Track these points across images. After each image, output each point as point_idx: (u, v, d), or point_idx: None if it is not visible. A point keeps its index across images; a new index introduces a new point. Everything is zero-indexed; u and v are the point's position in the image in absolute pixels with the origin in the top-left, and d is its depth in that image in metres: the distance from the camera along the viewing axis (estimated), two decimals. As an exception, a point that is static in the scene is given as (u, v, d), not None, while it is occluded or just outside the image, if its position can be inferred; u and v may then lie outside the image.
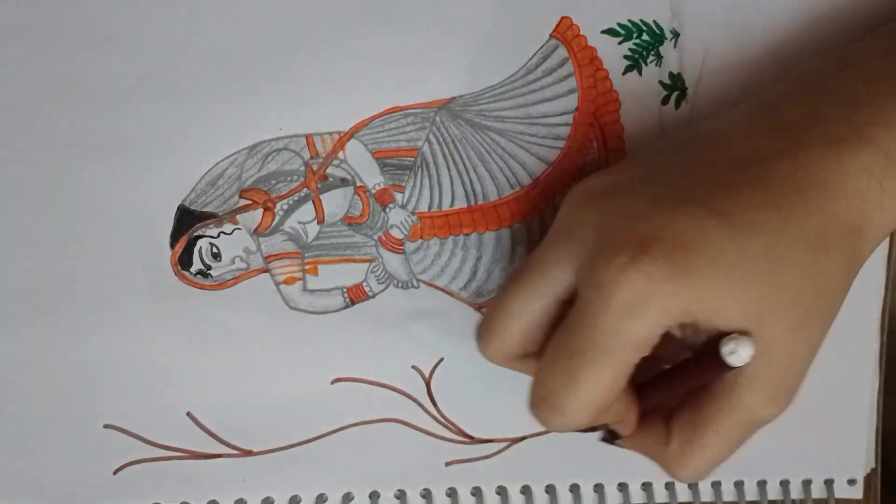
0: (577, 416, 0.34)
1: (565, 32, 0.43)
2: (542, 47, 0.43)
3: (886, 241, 0.46)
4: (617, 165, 0.40)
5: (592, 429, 0.39)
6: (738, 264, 0.33)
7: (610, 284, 0.33)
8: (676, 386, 0.37)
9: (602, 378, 0.34)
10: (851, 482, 0.47)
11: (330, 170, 0.42)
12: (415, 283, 0.43)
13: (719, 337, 0.34)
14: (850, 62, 0.39)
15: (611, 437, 0.38)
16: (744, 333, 0.33)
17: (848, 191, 0.35)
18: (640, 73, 0.44)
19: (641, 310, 0.33)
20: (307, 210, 0.42)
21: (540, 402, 0.35)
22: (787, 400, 0.35)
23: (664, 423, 0.37)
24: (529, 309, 0.36)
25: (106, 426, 0.42)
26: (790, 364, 0.35)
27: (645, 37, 0.43)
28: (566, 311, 0.36)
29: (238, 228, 0.42)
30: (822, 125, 0.36)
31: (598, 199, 0.36)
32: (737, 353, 0.33)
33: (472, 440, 0.45)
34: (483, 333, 0.38)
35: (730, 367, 0.34)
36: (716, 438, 0.36)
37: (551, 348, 0.35)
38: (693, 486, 0.46)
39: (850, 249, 0.35)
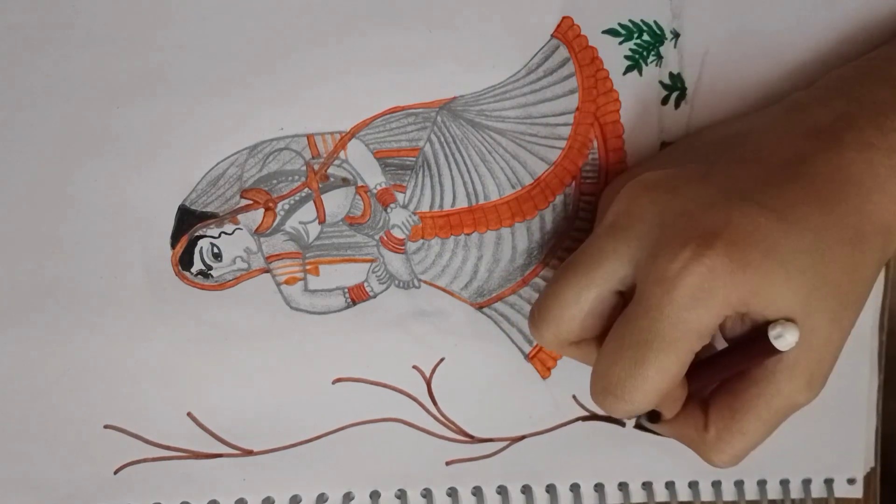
0: (642, 403, 0.36)
1: (566, 32, 0.43)
2: (543, 47, 0.43)
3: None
4: (662, 159, 0.42)
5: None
6: (789, 258, 0.35)
7: (675, 279, 0.35)
8: (720, 371, 0.38)
9: (667, 366, 0.35)
10: (851, 481, 0.47)
11: (331, 170, 0.42)
12: (416, 283, 0.43)
13: (763, 325, 0.36)
14: (874, 70, 0.41)
15: (650, 420, 0.39)
16: (789, 320, 0.35)
17: (880, 191, 0.37)
18: (640, 73, 0.44)
19: (705, 301, 0.35)
20: (308, 210, 0.42)
21: (605, 392, 0.37)
22: (821, 385, 0.38)
23: (701, 410, 0.39)
24: (584, 298, 0.37)
25: (106, 426, 0.42)
26: (826, 352, 0.37)
27: (645, 37, 0.43)
28: (619, 300, 0.37)
29: (239, 228, 0.42)
30: (853, 130, 0.38)
31: (657, 195, 0.37)
32: (784, 339, 0.35)
33: (473, 439, 0.45)
34: (537, 321, 0.39)
35: (776, 352, 0.36)
36: (755, 423, 0.38)
37: (613, 339, 0.36)
38: (693, 486, 0.46)
39: (881, 246, 0.38)
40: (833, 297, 0.36)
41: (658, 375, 0.35)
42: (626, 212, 0.37)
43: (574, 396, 0.45)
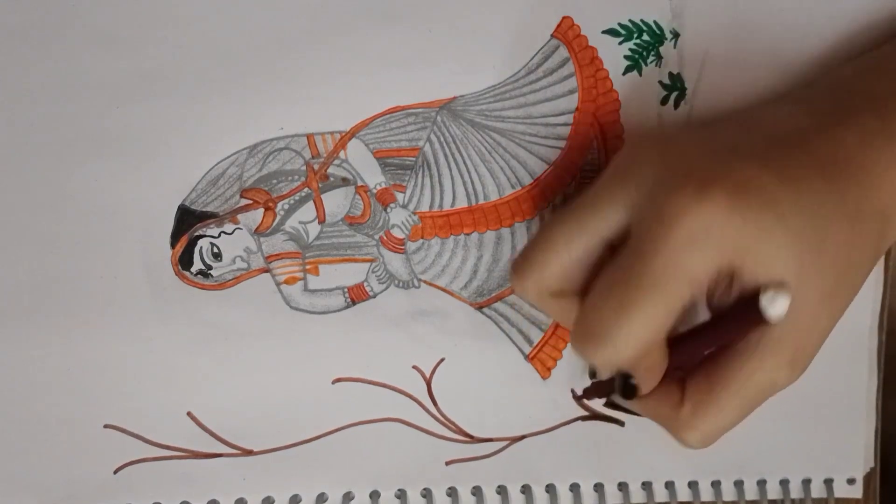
0: (624, 349, 0.34)
1: (566, 32, 0.43)
2: (543, 47, 0.43)
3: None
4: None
5: (609, 388, 0.39)
6: (789, 215, 0.34)
7: (674, 216, 0.34)
8: (704, 342, 0.37)
9: (655, 312, 0.34)
10: (851, 481, 0.47)
11: (331, 169, 0.42)
12: (416, 282, 0.43)
13: (754, 292, 0.34)
14: (873, 66, 0.41)
15: (626, 395, 0.38)
16: (780, 288, 0.34)
17: (880, 177, 0.37)
18: (640, 73, 0.44)
19: (701, 243, 0.34)
20: (308, 210, 0.42)
21: (586, 335, 0.35)
22: (802, 367, 0.36)
23: (678, 388, 0.38)
24: (574, 245, 0.37)
25: (106, 426, 0.42)
26: (813, 331, 0.36)
27: (645, 37, 0.43)
28: (608, 256, 0.36)
29: (239, 228, 0.42)
30: (853, 117, 0.38)
31: (660, 145, 0.37)
32: (775, 305, 0.34)
33: (473, 439, 0.45)
34: (520, 265, 0.38)
35: (763, 322, 0.34)
36: (732, 399, 0.36)
37: (602, 281, 0.35)
38: (693, 486, 0.46)
39: (879, 231, 0.37)
40: (828, 272, 0.35)
41: (644, 320, 0.34)
42: (627, 159, 0.37)
43: (573, 391, 0.45)
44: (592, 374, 0.42)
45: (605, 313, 0.35)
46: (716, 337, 0.37)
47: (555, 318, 0.39)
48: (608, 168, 0.38)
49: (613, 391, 0.39)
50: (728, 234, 0.34)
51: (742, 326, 0.36)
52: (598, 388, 0.42)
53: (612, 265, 0.35)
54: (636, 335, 0.34)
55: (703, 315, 0.38)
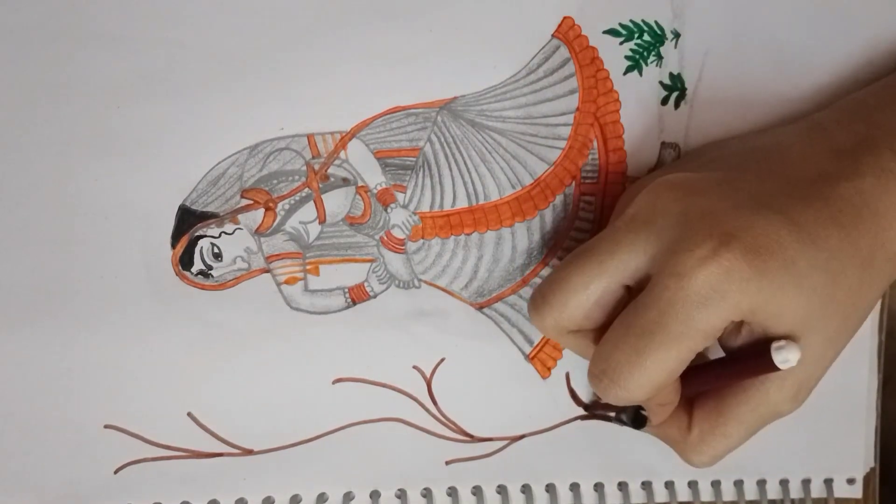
0: (636, 392, 0.36)
1: (567, 33, 0.43)
2: (543, 47, 0.43)
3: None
4: (686, 165, 0.42)
5: (615, 408, 0.42)
6: (804, 273, 0.35)
7: (690, 274, 0.35)
8: (716, 380, 0.39)
9: (667, 360, 0.35)
10: (850, 481, 0.48)
11: (331, 169, 0.42)
12: (416, 283, 0.43)
13: (764, 340, 0.36)
14: (893, 96, 0.42)
15: (635, 425, 0.40)
16: (790, 338, 0.36)
17: (894, 220, 0.38)
18: (640, 73, 0.44)
19: (716, 302, 0.35)
20: (309, 210, 0.42)
21: (602, 375, 0.37)
22: (805, 398, 0.38)
23: (685, 411, 0.40)
24: (593, 286, 0.37)
25: (107, 426, 0.42)
26: (818, 368, 0.38)
27: (646, 37, 0.43)
28: (626, 296, 0.37)
29: (239, 228, 0.42)
30: (873, 154, 0.38)
31: (681, 192, 0.37)
32: (787, 360, 0.35)
33: (473, 439, 0.45)
34: (539, 304, 0.39)
35: (775, 369, 0.36)
36: (738, 427, 0.38)
37: (619, 325, 0.36)
38: (693, 486, 0.47)
39: (888, 274, 0.38)
40: (835, 317, 0.37)
41: (656, 368, 0.35)
42: (649, 206, 0.37)
43: (573, 391, 0.45)
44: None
45: (620, 358, 0.36)
46: (727, 376, 0.38)
47: (572, 350, 0.40)
48: (630, 209, 0.38)
49: (620, 410, 0.42)
50: (744, 294, 0.35)
51: (752, 370, 0.37)
52: (604, 406, 0.43)
53: (632, 307, 0.36)
54: (648, 380, 0.36)
55: (714, 352, 0.39)
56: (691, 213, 0.36)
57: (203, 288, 0.42)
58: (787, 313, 0.35)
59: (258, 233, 0.42)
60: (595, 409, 0.44)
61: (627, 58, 0.43)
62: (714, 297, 0.35)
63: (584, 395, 0.45)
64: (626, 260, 0.37)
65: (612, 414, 0.44)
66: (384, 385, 0.44)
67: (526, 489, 0.45)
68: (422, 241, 0.43)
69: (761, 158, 0.40)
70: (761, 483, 0.47)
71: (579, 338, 0.39)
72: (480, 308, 0.44)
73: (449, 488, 0.45)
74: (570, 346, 0.40)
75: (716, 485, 0.47)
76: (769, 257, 0.35)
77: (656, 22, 0.43)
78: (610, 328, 0.37)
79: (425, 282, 0.44)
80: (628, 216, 0.38)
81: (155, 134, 0.41)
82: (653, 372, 0.35)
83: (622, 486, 0.46)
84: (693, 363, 0.37)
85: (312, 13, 0.41)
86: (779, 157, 0.40)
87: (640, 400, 0.37)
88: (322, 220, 0.43)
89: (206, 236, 0.42)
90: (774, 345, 0.35)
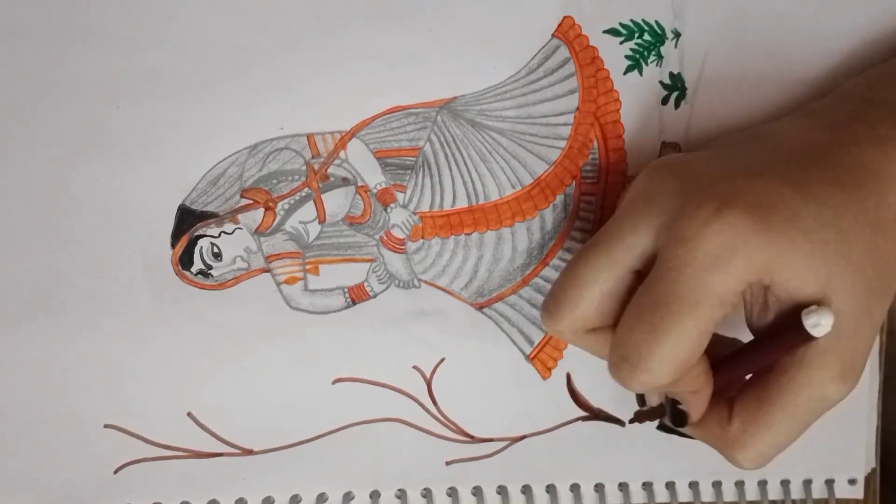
0: (660, 372, 0.34)
1: (567, 32, 0.43)
2: (543, 47, 0.43)
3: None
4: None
5: (660, 413, 0.39)
6: (812, 228, 0.34)
7: (696, 237, 0.34)
8: (749, 363, 0.37)
9: (686, 332, 0.34)
10: (852, 482, 0.47)
11: (331, 169, 0.42)
12: (416, 282, 0.43)
13: (794, 310, 0.35)
14: (886, 76, 0.41)
15: (676, 423, 0.38)
16: (820, 303, 0.34)
17: None
18: (640, 73, 0.44)
19: (726, 260, 0.34)
20: (308, 210, 0.42)
21: (621, 362, 0.35)
22: (854, 379, 0.36)
23: (726, 406, 0.38)
24: (604, 277, 0.36)
25: (106, 426, 0.42)
26: (857, 342, 0.36)
27: (646, 37, 0.43)
28: (638, 283, 0.36)
29: (239, 228, 0.42)
30: (868, 125, 0.38)
31: (677, 169, 0.37)
32: (819, 325, 0.34)
33: (473, 439, 0.45)
34: (551, 306, 0.37)
35: (809, 338, 0.34)
36: (781, 416, 0.36)
37: (633, 307, 0.35)
38: (694, 486, 0.46)
39: None
40: (857, 280, 0.35)
41: (676, 342, 0.34)
42: (647, 186, 0.37)
43: (573, 391, 0.45)
44: (641, 402, 0.41)
45: (637, 339, 0.35)
46: (761, 357, 0.37)
47: (592, 352, 0.39)
48: (628, 194, 0.38)
49: (664, 414, 0.39)
50: (753, 252, 0.34)
51: (787, 345, 0.35)
52: (649, 413, 0.41)
53: (641, 290, 0.35)
54: (670, 358, 0.34)
55: (746, 336, 0.38)
56: (689, 184, 0.36)
57: (203, 288, 0.42)
58: (804, 271, 0.34)
59: (258, 232, 0.42)
60: (641, 419, 0.42)
61: (627, 57, 0.43)
62: (724, 256, 0.33)
63: (586, 395, 0.45)
64: (631, 243, 0.36)
65: (657, 421, 0.42)
66: (384, 385, 0.44)
67: (526, 490, 0.45)
68: (422, 240, 0.43)
69: (754, 140, 0.40)
70: (762, 483, 0.47)
71: (598, 336, 0.38)
72: (480, 308, 0.44)
73: (449, 489, 0.45)
74: (588, 348, 0.38)
75: (717, 485, 0.47)
76: (772, 212, 0.34)
77: (656, 21, 0.43)
78: (624, 313, 0.36)
79: (425, 282, 0.44)
80: (627, 200, 0.37)
81: (155, 134, 0.41)
82: (674, 347, 0.34)
83: (623, 487, 0.46)
84: (725, 351, 0.36)
85: (312, 13, 0.41)
86: (771, 139, 0.40)
87: (665, 382, 0.35)
88: (322, 219, 0.43)
89: (205, 236, 0.42)
90: (805, 310, 0.34)
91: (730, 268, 0.34)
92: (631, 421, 0.42)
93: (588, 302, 0.37)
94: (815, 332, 0.34)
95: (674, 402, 0.38)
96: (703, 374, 0.36)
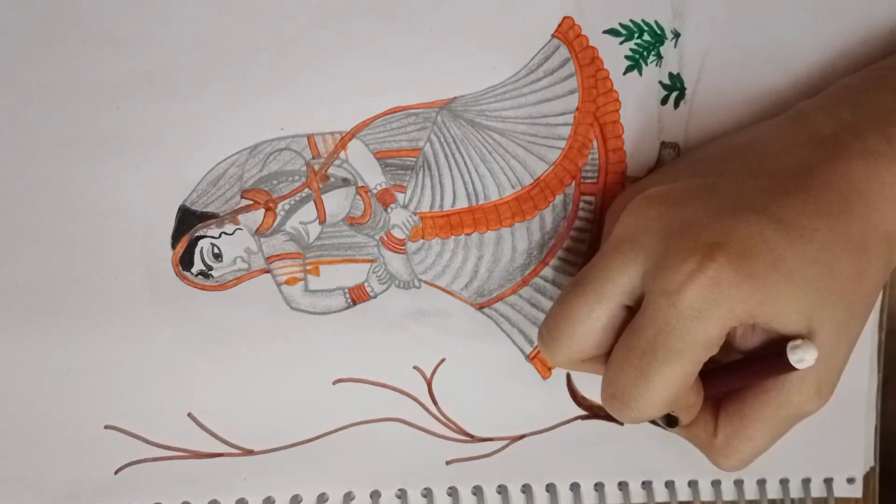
0: (648, 411, 0.36)
1: (567, 32, 0.43)
2: (543, 47, 0.43)
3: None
4: (666, 174, 0.42)
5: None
6: (795, 269, 0.35)
7: (679, 290, 0.35)
8: (736, 381, 0.38)
9: (672, 376, 0.35)
10: (850, 481, 0.48)
11: (331, 170, 0.42)
12: (416, 283, 0.43)
13: (779, 340, 0.36)
14: (879, 79, 0.41)
15: (668, 424, 0.40)
16: (803, 337, 0.35)
17: (884, 200, 0.37)
18: (640, 73, 0.44)
19: (709, 313, 0.35)
20: (309, 210, 0.42)
21: (612, 399, 0.37)
22: (829, 394, 0.38)
23: (711, 413, 0.39)
24: (595, 314, 0.37)
25: (107, 426, 0.42)
26: (834, 361, 0.37)
27: (646, 37, 0.43)
28: (629, 316, 0.37)
29: (239, 229, 0.42)
30: (858, 138, 0.38)
31: (663, 208, 0.37)
32: (804, 360, 0.35)
33: (473, 439, 0.45)
34: (548, 340, 0.39)
35: (792, 369, 0.35)
36: (762, 430, 0.38)
37: (621, 348, 0.37)
38: (693, 485, 0.47)
39: (886, 255, 0.38)
40: (839, 307, 0.36)
41: (663, 386, 0.35)
42: (633, 226, 0.37)
43: (573, 391, 0.45)
44: None
45: (626, 381, 0.36)
46: (747, 377, 0.38)
47: (592, 373, 0.40)
48: (615, 231, 0.38)
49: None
50: (737, 303, 0.35)
51: (770, 370, 0.37)
52: None
53: (629, 332, 0.36)
54: (658, 399, 0.36)
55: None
56: (673, 227, 0.36)
57: (203, 288, 0.42)
58: (787, 311, 0.35)
59: (258, 233, 0.42)
60: None
61: (627, 57, 0.43)
62: (707, 309, 0.35)
63: (585, 395, 0.45)
64: (620, 283, 0.37)
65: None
66: (384, 385, 0.44)
67: (526, 489, 0.45)
68: (422, 241, 0.43)
69: (740, 158, 0.40)
70: (761, 482, 0.47)
71: (595, 363, 0.39)
72: (480, 308, 0.44)
73: (449, 488, 0.45)
74: (587, 371, 0.40)
75: (716, 484, 0.47)
76: (755, 259, 0.35)
77: (656, 22, 0.43)
78: (613, 352, 0.37)
79: (425, 282, 0.44)
80: (615, 238, 0.38)
81: (155, 134, 0.41)
82: (661, 390, 0.36)
83: (622, 486, 0.46)
84: (714, 365, 0.37)
85: (312, 13, 0.41)
86: (758, 155, 0.40)
87: (654, 417, 0.37)
88: (322, 220, 0.43)
89: (206, 236, 0.42)
90: (790, 344, 0.35)
91: (713, 319, 0.35)
92: (585, 415, 0.43)
93: (582, 337, 0.38)
94: (798, 366, 0.35)
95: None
96: (693, 395, 0.38)
